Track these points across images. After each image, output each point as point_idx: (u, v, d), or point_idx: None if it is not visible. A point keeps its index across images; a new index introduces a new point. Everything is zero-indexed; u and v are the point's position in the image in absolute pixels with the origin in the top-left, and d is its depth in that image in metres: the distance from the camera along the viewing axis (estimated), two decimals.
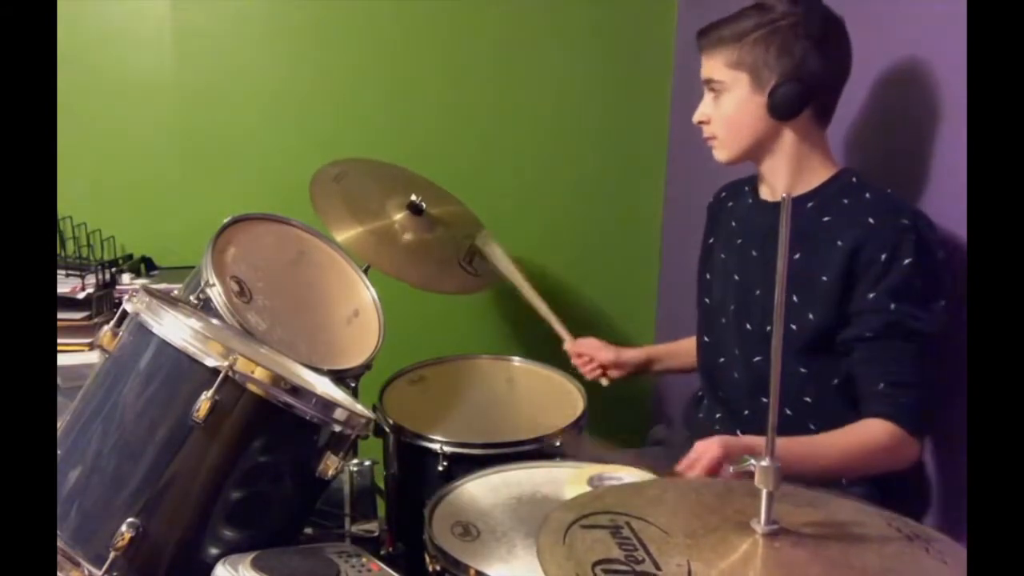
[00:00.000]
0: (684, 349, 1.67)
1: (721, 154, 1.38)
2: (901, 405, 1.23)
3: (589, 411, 1.68)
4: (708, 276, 1.53)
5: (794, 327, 1.30)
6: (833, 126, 1.36)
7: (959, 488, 1.32)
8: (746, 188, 1.48)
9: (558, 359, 1.85)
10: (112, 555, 1.04)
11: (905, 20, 1.41)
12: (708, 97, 1.36)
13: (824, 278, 1.27)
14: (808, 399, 1.31)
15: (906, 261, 1.22)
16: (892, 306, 1.23)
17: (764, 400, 1.36)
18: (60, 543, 1.06)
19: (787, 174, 1.35)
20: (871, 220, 1.25)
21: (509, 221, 2.18)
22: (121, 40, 2.07)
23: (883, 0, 1.45)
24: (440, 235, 1.86)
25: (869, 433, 1.24)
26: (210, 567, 1.07)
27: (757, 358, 1.39)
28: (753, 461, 0.76)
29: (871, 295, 1.24)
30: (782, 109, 1.29)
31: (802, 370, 1.30)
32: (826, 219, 1.29)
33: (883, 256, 1.23)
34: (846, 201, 1.29)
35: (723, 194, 1.57)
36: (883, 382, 1.25)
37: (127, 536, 1.04)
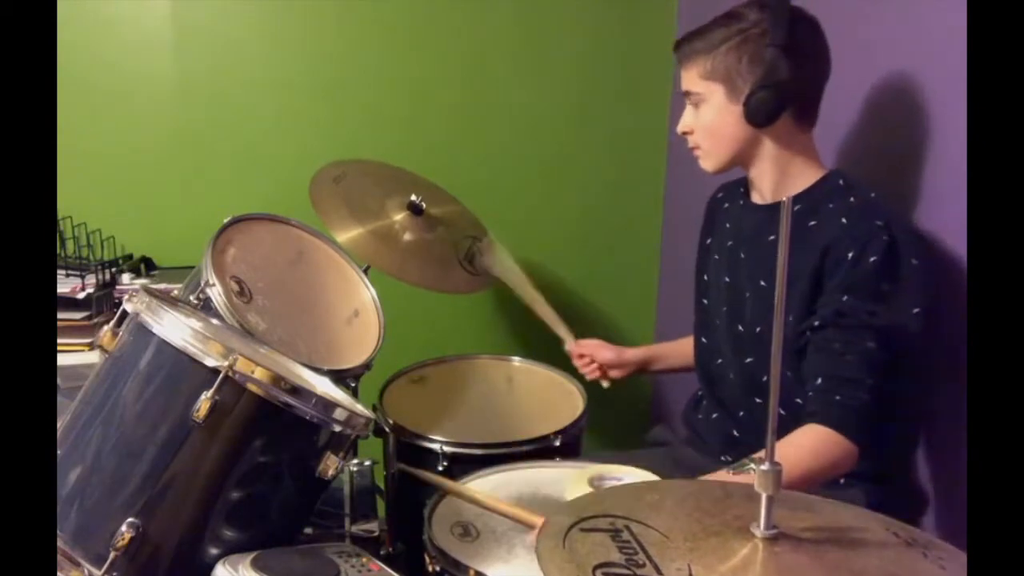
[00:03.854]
0: (684, 348, 1.67)
1: (706, 163, 1.38)
2: (835, 404, 1.19)
3: (589, 411, 1.69)
4: (705, 277, 1.54)
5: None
6: (825, 128, 1.36)
7: (958, 491, 1.32)
8: (741, 189, 1.49)
9: (558, 359, 1.85)
10: (112, 555, 1.04)
11: (896, 22, 1.41)
12: (689, 108, 1.37)
13: (803, 280, 1.27)
14: (799, 401, 1.30)
15: (871, 259, 1.21)
16: (844, 298, 1.21)
17: (758, 400, 1.38)
18: (60, 543, 1.06)
19: (773, 178, 1.35)
20: (844, 220, 1.25)
21: (508, 221, 2.18)
22: (121, 40, 2.07)
23: (873, 2, 1.45)
24: (440, 235, 1.86)
25: (800, 441, 1.19)
26: (210, 567, 1.07)
27: (748, 359, 1.39)
28: (753, 465, 0.76)
29: (830, 289, 1.24)
30: (758, 117, 1.28)
31: (788, 373, 1.29)
32: (812, 223, 1.29)
33: (850, 254, 1.22)
34: (831, 205, 1.29)
35: (720, 194, 1.57)
36: (822, 376, 1.21)
37: (127, 536, 1.04)
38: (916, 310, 1.21)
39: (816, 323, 1.24)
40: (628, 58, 2.28)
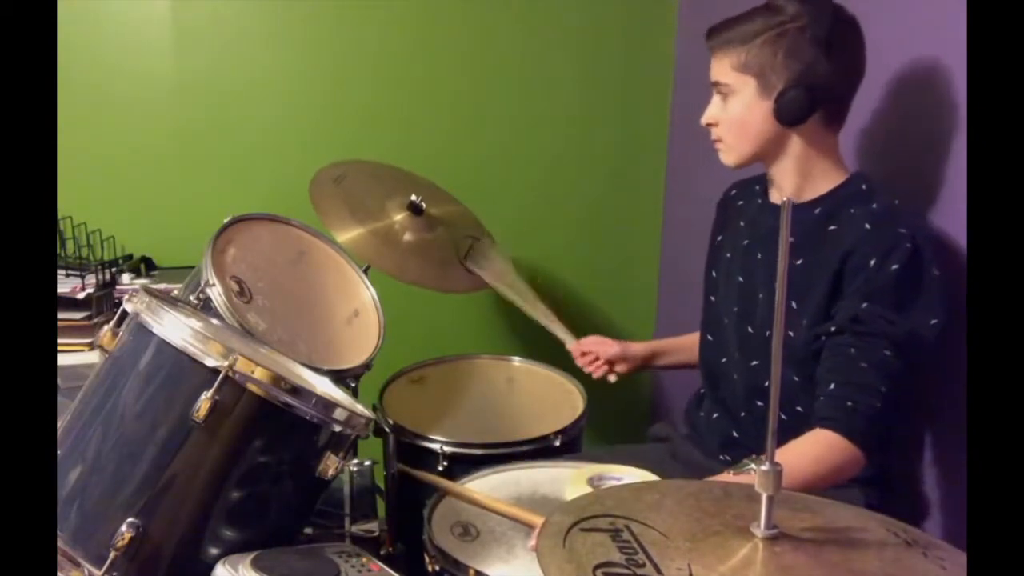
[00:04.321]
0: (689, 344, 1.66)
1: (728, 157, 1.35)
2: (847, 409, 1.17)
3: (589, 408, 1.69)
4: (714, 274, 1.52)
5: (791, 334, 1.28)
6: (848, 129, 1.34)
7: (958, 493, 1.32)
8: (756, 188, 1.46)
9: (558, 359, 1.85)
10: (112, 555, 1.04)
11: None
12: (716, 99, 1.33)
13: (821, 285, 1.26)
14: (800, 408, 1.29)
15: (893, 267, 1.19)
16: (863, 305, 1.20)
17: (760, 404, 1.37)
18: (60, 543, 1.06)
19: (795, 179, 1.33)
20: (867, 226, 1.23)
21: (509, 221, 2.18)
22: (121, 40, 2.07)
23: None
24: (440, 235, 1.86)
25: (804, 448, 1.18)
26: (210, 567, 1.07)
27: (755, 362, 1.38)
28: (753, 466, 0.76)
29: (849, 295, 1.22)
30: (789, 115, 1.25)
31: (795, 378, 1.28)
32: (832, 228, 1.27)
33: (872, 261, 1.20)
34: (853, 211, 1.26)
35: (733, 191, 1.54)
36: (835, 381, 1.20)
37: (127, 536, 1.04)
38: (934, 321, 1.19)
39: (832, 328, 1.22)
40: (628, 58, 2.27)
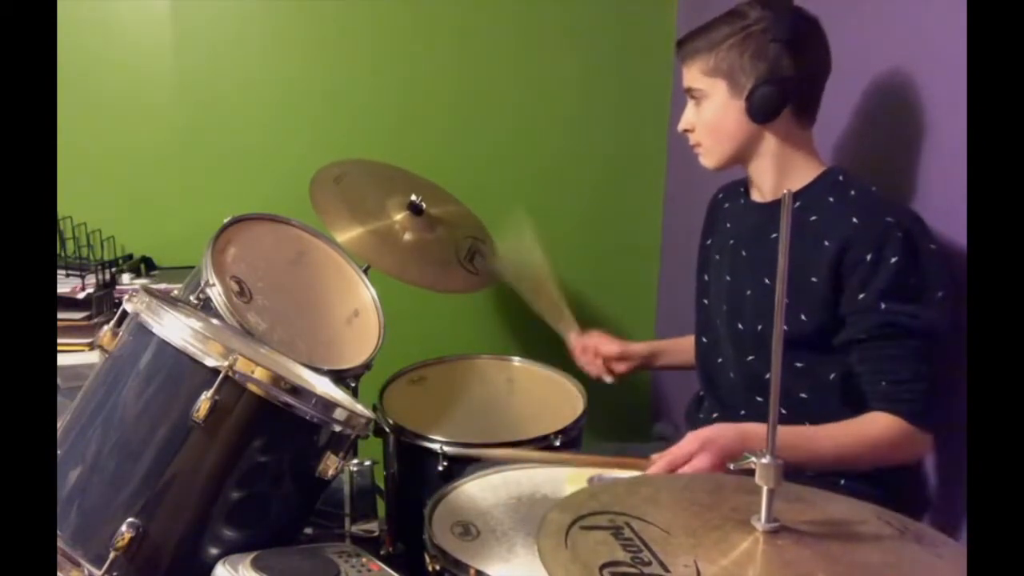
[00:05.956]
0: (689, 345, 1.67)
1: (707, 160, 1.40)
2: (904, 400, 1.23)
3: (589, 409, 1.69)
4: (706, 278, 1.55)
5: (784, 327, 1.29)
6: (824, 126, 1.37)
7: (958, 488, 1.32)
8: (741, 189, 1.50)
9: (558, 359, 1.85)
10: (112, 555, 1.04)
11: (898, 19, 1.41)
12: (690, 105, 1.38)
13: (813, 279, 1.28)
14: (804, 395, 1.32)
15: (893, 260, 1.22)
16: (882, 306, 1.23)
17: (759, 399, 1.38)
18: (60, 543, 1.06)
19: (773, 175, 1.36)
20: (855, 220, 1.25)
21: (508, 221, 2.17)
22: (121, 40, 2.07)
23: (876, 5, 1.46)
24: (440, 235, 1.86)
25: (872, 425, 1.24)
26: (210, 567, 1.07)
27: (750, 357, 1.40)
28: (754, 458, 0.76)
29: (861, 296, 1.25)
30: (760, 111, 1.30)
31: (797, 364, 1.31)
32: (813, 218, 1.30)
33: (869, 256, 1.23)
34: (832, 200, 1.30)
35: (720, 195, 1.58)
36: (884, 380, 1.25)
37: (127, 536, 1.04)
38: (940, 294, 1.23)
39: (862, 336, 1.25)
40: (628, 58, 2.28)
